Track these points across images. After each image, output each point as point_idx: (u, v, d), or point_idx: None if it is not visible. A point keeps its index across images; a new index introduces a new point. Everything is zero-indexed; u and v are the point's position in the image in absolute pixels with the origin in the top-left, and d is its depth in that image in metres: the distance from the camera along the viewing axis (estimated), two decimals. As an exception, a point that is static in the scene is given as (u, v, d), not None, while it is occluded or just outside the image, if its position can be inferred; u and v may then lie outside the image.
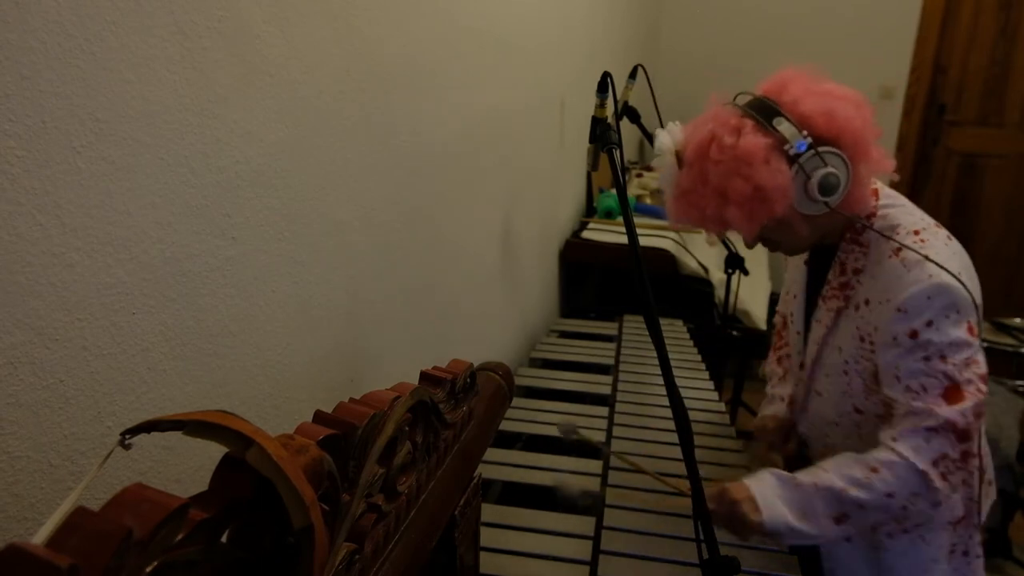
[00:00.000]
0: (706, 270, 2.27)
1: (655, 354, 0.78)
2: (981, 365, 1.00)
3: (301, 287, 0.93)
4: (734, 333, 2.38)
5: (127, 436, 0.40)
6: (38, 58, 0.55)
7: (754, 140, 1.00)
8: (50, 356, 0.60)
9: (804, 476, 1.04)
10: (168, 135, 0.69)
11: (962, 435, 0.98)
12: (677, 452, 1.14)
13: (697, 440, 1.07)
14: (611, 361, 1.85)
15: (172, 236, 0.71)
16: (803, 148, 1.00)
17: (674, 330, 2.10)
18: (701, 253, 2.36)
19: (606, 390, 1.67)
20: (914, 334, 1.00)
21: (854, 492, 1.00)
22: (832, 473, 1.02)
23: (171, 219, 0.70)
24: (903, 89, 3.72)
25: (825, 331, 1.16)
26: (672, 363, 0.79)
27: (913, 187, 3.87)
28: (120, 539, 0.31)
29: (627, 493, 1.24)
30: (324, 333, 1.00)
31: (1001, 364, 2.81)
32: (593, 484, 1.27)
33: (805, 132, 1.00)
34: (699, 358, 1.87)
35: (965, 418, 0.97)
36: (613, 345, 1.96)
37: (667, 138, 1.11)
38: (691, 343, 1.99)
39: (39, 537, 0.33)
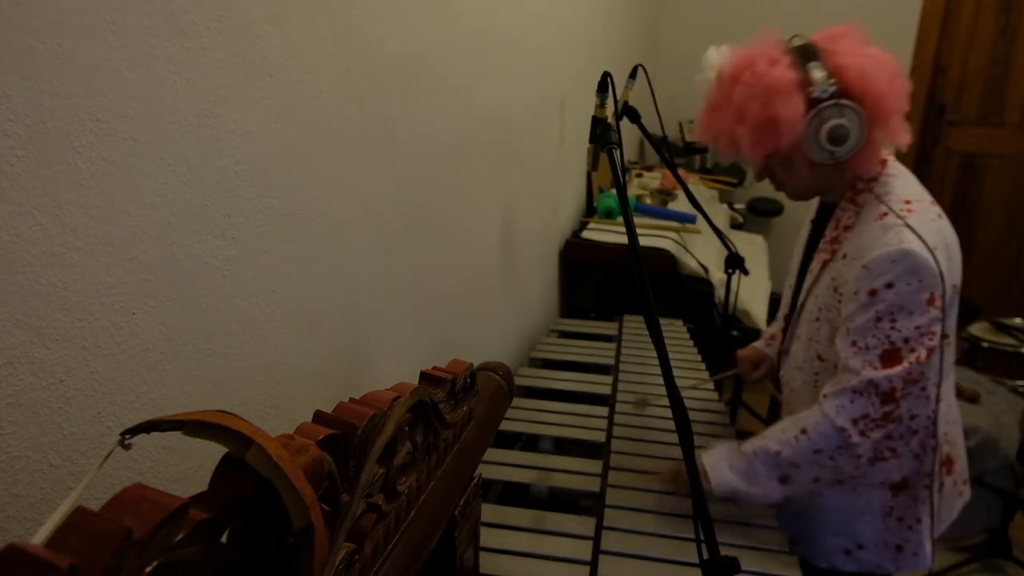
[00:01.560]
0: (706, 270, 2.27)
1: (655, 354, 0.78)
2: (935, 338, 1.06)
3: (301, 287, 0.93)
4: (734, 333, 2.38)
5: (127, 436, 0.40)
6: (38, 58, 0.55)
7: (783, 73, 1.06)
8: (50, 356, 0.59)
9: (747, 444, 1.16)
10: (168, 135, 0.69)
11: (885, 397, 1.06)
12: (677, 452, 1.14)
13: (697, 440, 1.07)
14: (611, 361, 1.85)
15: (172, 236, 0.71)
16: (825, 95, 1.06)
17: (674, 330, 2.10)
18: (701, 253, 2.36)
19: (606, 390, 1.67)
20: (873, 292, 1.05)
21: (787, 452, 1.10)
22: (768, 439, 1.13)
23: (171, 219, 0.70)
24: (903, 89, 3.72)
25: (813, 281, 1.23)
26: (672, 363, 0.79)
27: (913, 187, 3.87)
28: (120, 539, 0.31)
29: (627, 493, 1.24)
30: (324, 333, 1.00)
31: (1001, 364, 2.81)
32: (593, 484, 1.27)
33: (833, 81, 1.06)
34: (699, 358, 1.87)
35: (891, 382, 1.05)
36: (613, 345, 1.96)
37: (715, 56, 1.17)
38: (691, 343, 1.99)
39: (39, 537, 0.33)
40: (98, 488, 0.64)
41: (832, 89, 1.06)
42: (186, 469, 0.76)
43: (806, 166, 1.13)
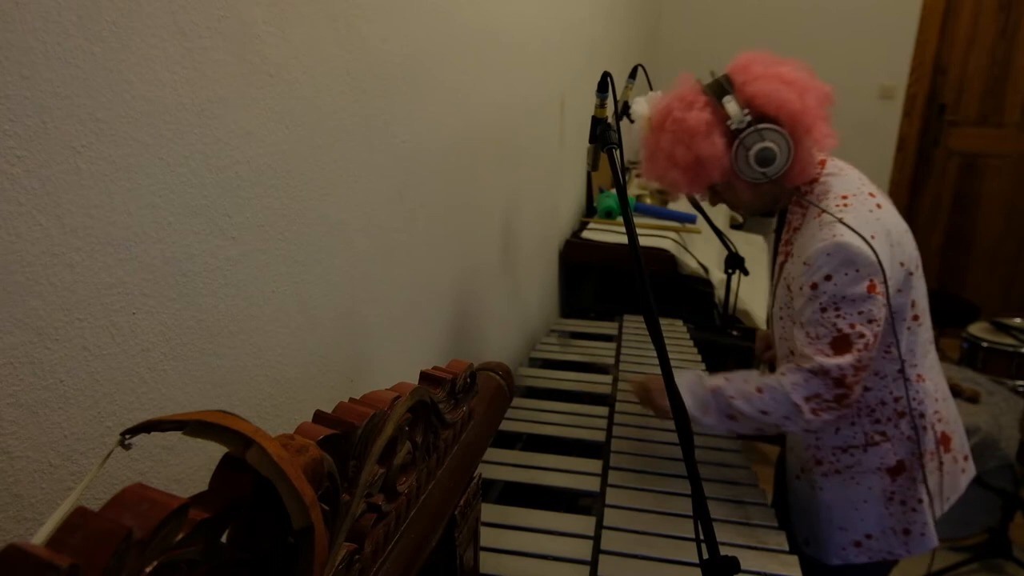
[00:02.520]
0: (706, 270, 2.27)
1: (655, 354, 0.78)
2: (880, 323, 1.12)
3: (301, 287, 0.93)
4: (734, 333, 2.38)
5: (127, 436, 0.40)
6: (38, 58, 0.55)
7: (699, 115, 1.16)
8: (50, 356, 0.60)
9: (711, 379, 1.24)
10: (168, 135, 0.69)
11: (837, 382, 1.12)
12: (677, 452, 1.14)
13: (697, 440, 1.08)
14: (611, 361, 1.85)
15: (172, 236, 0.71)
16: (743, 124, 1.15)
17: (674, 330, 2.10)
18: (701, 253, 2.36)
19: (606, 390, 1.67)
20: (814, 286, 1.12)
21: (738, 403, 1.19)
22: (729, 382, 1.22)
23: (171, 219, 0.70)
24: (903, 89, 3.72)
25: (775, 282, 1.31)
26: (672, 363, 0.79)
27: (913, 187, 3.87)
28: (120, 539, 0.31)
29: (627, 493, 1.24)
30: (324, 333, 1.00)
31: (1001, 364, 2.81)
32: (593, 484, 1.27)
33: (747, 111, 1.15)
34: (699, 358, 1.87)
35: (842, 370, 1.11)
36: (613, 345, 1.96)
37: (643, 106, 1.27)
38: (691, 343, 1.99)
39: (39, 537, 0.33)
40: (98, 488, 0.64)
41: (748, 118, 1.15)
42: (186, 469, 0.76)
43: (747, 188, 1.23)
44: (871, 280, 1.10)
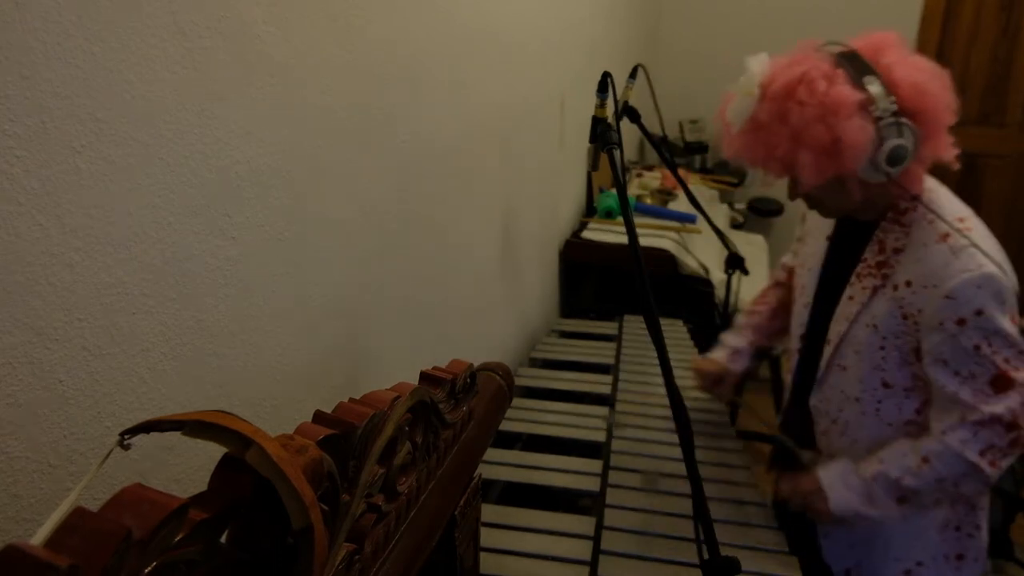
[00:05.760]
0: (706, 270, 2.27)
1: (655, 354, 0.78)
2: None
3: (301, 287, 0.93)
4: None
5: (127, 436, 0.40)
6: (38, 58, 0.55)
7: (847, 91, 0.98)
8: (50, 356, 0.59)
9: (865, 466, 1.13)
10: (168, 135, 0.69)
11: (1009, 427, 1.02)
12: (677, 452, 1.14)
13: (697, 440, 1.07)
14: (611, 361, 1.85)
15: (172, 236, 0.71)
16: (886, 113, 0.99)
17: (674, 330, 2.10)
18: (701, 253, 2.36)
19: (606, 390, 1.67)
20: (962, 322, 1.01)
21: (908, 481, 1.08)
22: (887, 464, 1.10)
23: (171, 219, 0.70)
24: (903, 89, 3.72)
25: (859, 308, 1.14)
26: (672, 363, 0.79)
27: (913, 187, 3.87)
28: (120, 539, 0.31)
29: (627, 493, 1.24)
30: (324, 333, 1.00)
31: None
32: (593, 484, 1.27)
33: (893, 98, 0.99)
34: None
35: (1013, 413, 1.01)
36: (613, 345, 1.96)
37: (758, 67, 1.06)
38: (691, 343, 1.99)
39: (38, 537, 0.33)
40: (98, 488, 0.64)
41: (894, 107, 0.99)
42: (186, 469, 0.76)
43: (858, 187, 1.06)
44: (1013, 311, 1.02)
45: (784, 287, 1.50)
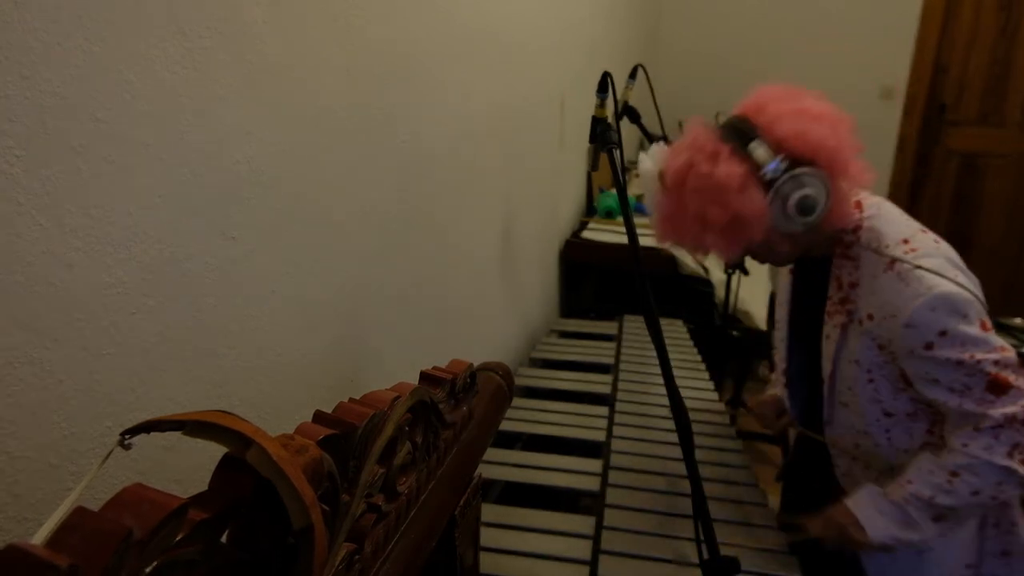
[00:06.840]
0: (706, 270, 2.27)
1: (655, 354, 0.79)
2: (1010, 352, 1.01)
3: (301, 287, 0.93)
4: (734, 333, 2.38)
5: (127, 436, 0.40)
6: (38, 58, 0.55)
7: (729, 168, 1.00)
8: (50, 356, 0.59)
9: (894, 490, 1.09)
10: (168, 135, 0.69)
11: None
12: (677, 452, 1.14)
13: (697, 440, 1.07)
14: (611, 361, 1.85)
15: (172, 236, 0.71)
16: (778, 172, 1.00)
17: (674, 330, 2.10)
18: (701, 253, 2.36)
19: (606, 390, 1.67)
20: (929, 346, 1.01)
21: (941, 499, 1.04)
22: (917, 484, 1.06)
23: (171, 219, 0.70)
24: (903, 89, 3.72)
25: (836, 347, 1.16)
26: (672, 363, 0.79)
27: (913, 187, 3.87)
28: (120, 539, 0.31)
29: (627, 493, 1.24)
30: (324, 333, 1.00)
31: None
32: (593, 484, 1.27)
33: (781, 156, 1.00)
34: (699, 358, 1.87)
35: (1022, 407, 0.99)
36: (613, 345, 1.96)
37: (649, 162, 1.12)
38: (691, 343, 1.99)
39: (38, 537, 0.32)
40: (98, 488, 0.64)
41: (783, 164, 1.00)
42: (186, 469, 0.76)
43: (784, 241, 1.08)
44: (980, 320, 1.01)
45: None
